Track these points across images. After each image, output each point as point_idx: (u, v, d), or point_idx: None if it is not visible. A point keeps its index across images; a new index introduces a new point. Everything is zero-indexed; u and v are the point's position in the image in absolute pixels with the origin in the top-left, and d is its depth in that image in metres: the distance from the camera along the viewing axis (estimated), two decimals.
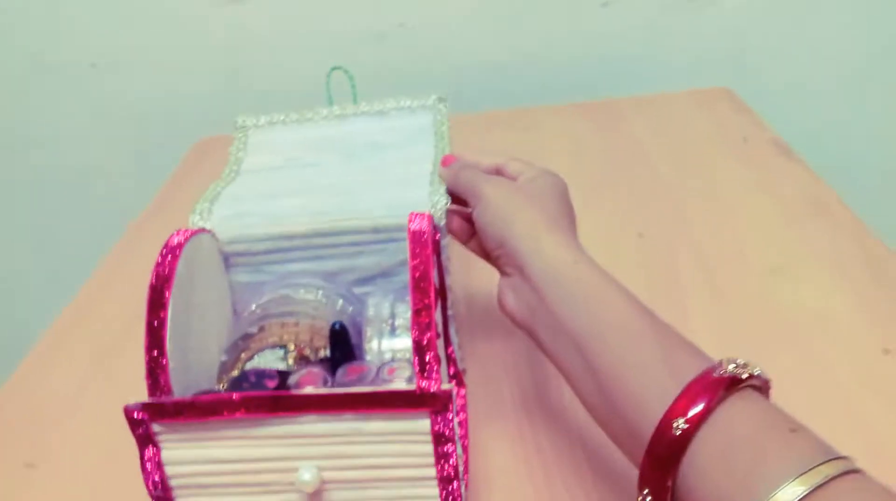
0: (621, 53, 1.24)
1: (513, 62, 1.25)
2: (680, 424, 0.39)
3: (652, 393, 0.42)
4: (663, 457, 0.40)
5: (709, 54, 1.25)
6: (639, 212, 0.88)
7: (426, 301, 0.48)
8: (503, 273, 0.56)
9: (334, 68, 0.78)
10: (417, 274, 0.48)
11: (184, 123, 1.29)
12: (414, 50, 1.24)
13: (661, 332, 0.45)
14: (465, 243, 0.61)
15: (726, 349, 0.64)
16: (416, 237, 0.50)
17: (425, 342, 0.47)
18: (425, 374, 0.47)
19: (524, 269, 0.52)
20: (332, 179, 0.66)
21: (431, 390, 0.47)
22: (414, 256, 0.49)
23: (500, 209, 0.54)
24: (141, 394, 0.49)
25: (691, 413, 0.39)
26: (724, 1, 1.20)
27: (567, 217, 0.56)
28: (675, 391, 0.41)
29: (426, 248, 0.50)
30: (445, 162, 0.63)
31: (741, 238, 0.80)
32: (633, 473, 0.54)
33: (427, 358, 0.47)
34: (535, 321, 0.52)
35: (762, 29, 1.22)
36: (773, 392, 0.43)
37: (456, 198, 0.60)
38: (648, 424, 0.41)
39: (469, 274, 0.80)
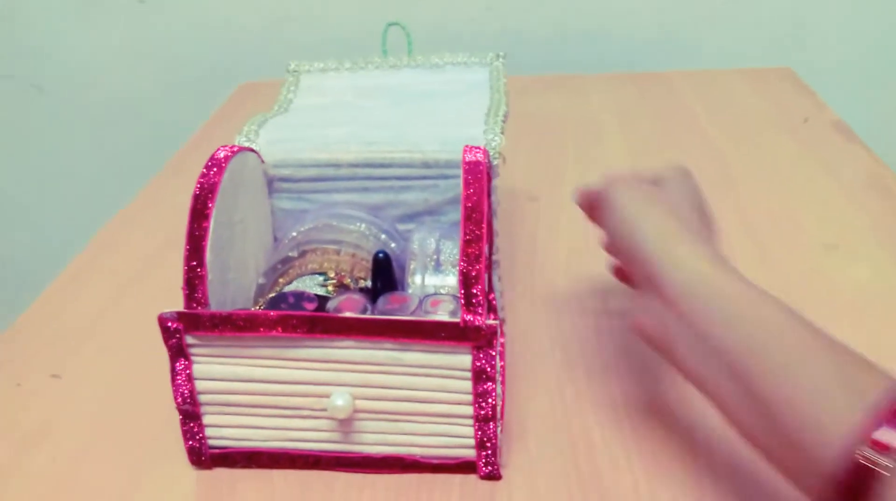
0: (675, 27, 1.21)
1: (566, 29, 1.22)
2: (870, 453, 0.34)
3: (832, 418, 0.36)
4: (850, 491, 0.35)
5: (767, 33, 1.21)
6: None
7: (478, 232, 0.46)
8: (635, 288, 0.49)
9: (391, 24, 0.76)
10: (470, 204, 0.46)
11: (229, 66, 1.28)
12: (467, 10, 1.21)
13: (833, 348, 0.39)
14: (623, 280, 0.54)
15: None
16: (471, 168, 0.48)
17: (474, 274, 0.45)
18: (471, 307, 0.46)
19: (655, 280, 0.45)
20: (383, 117, 0.64)
21: (476, 323, 0.45)
22: (468, 185, 0.47)
23: (624, 211, 0.48)
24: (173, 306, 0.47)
25: (884, 440, 0.34)
26: None
27: (704, 222, 0.50)
28: (859, 415, 0.35)
29: (481, 179, 0.48)
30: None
31: (795, 214, 0.77)
32: (676, 436, 0.53)
33: (474, 291, 0.45)
34: (672, 341, 0.45)
35: (822, 7, 1.18)
36: None
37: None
38: (830, 453, 0.36)
39: (512, 228, 0.78)
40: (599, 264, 0.73)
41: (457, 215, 0.59)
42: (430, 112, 0.64)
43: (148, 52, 1.30)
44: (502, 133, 0.57)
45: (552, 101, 1.09)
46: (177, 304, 0.48)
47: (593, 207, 0.52)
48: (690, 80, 1.14)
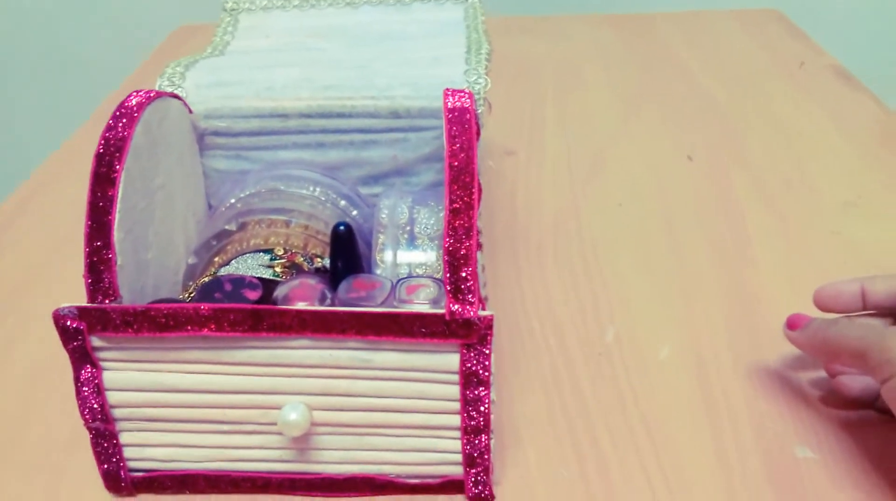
0: None
1: None
2: None
3: None
4: None
5: None
6: (686, 133, 0.76)
7: (467, 199, 0.36)
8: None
9: None
10: (457, 163, 0.36)
11: (164, 7, 1.14)
12: None
13: None
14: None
15: (799, 284, 0.55)
16: (456, 117, 0.38)
17: (462, 253, 0.35)
18: (459, 295, 0.36)
19: None
20: (341, 57, 0.53)
21: (466, 315, 0.36)
22: (453, 139, 0.37)
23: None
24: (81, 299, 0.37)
25: None
26: None
27: None
28: None
29: (469, 130, 0.37)
30: (794, 324, 0.45)
31: (808, 171, 0.69)
32: (700, 440, 0.44)
33: (463, 274, 0.36)
34: None
35: None
36: None
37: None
38: None
39: (488, 189, 0.68)
40: (592, 224, 0.64)
41: (431, 175, 0.49)
42: (397, 53, 0.53)
43: None
44: (487, 75, 0.47)
45: (527, 44, 0.98)
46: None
47: (857, 366, 0.42)
48: (674, 21, 1.04)
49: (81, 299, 0.37)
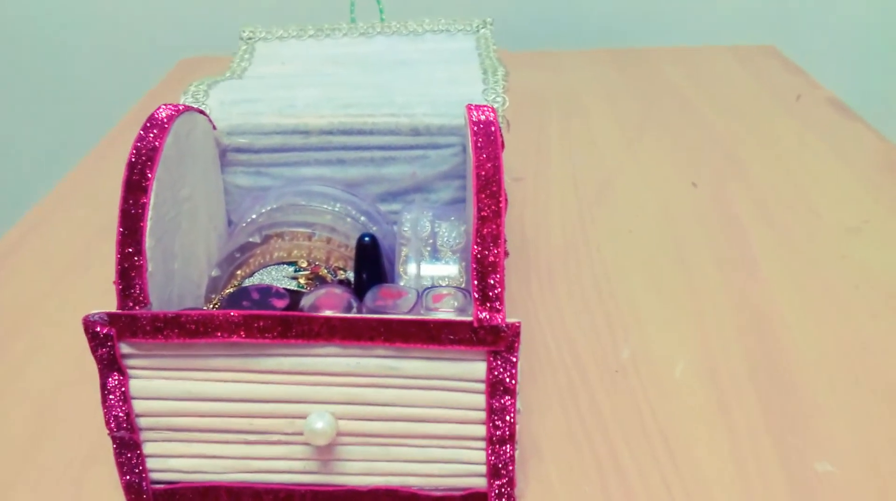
0: (652, 2, 1.14)
1: (540, 4, 1.13)
2: None
3: None
4: None
5: (749, 10, 1.15)
6: (690, 162, 0.78)
7: (494, 208, 0.36)
8: None
9: None
10: (484, 173, 0.37)
11: (169, 40, 1.16)
12: None
13: None
14: None
15: (808, 304, 0.56)
16: (481, 129, 0.39)
17: (491, 260, 0.36)
18: (487, 303, 0.36)
19: None
20: (360, 79, 0.54)
21: (494, 322, 0.36)
22: (479, 150, 0.38)
23: None
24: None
25: None
26: None
27: None
28: None
29: (494, 142, 0.38)
30: None
31: (810, 197, 0.70)
32: (721, 451, 0.45)
33: (490, 281, 0.36)
34: None
35: None
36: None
37: None
38: None
39: None
40: (602, 248, 0.65)
41: (450, 193, 0.49)
42: (413, 76, 0.55)
43: (82, 21, 1.17)
44: (505, 93, 0.48)
45: (531, 77, 1.00)
46: (110, 303, 0.37)
47: None
48: (672, 56, 1.07)
49: (106, 306, 0.37)
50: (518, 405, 0.38)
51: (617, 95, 0.95)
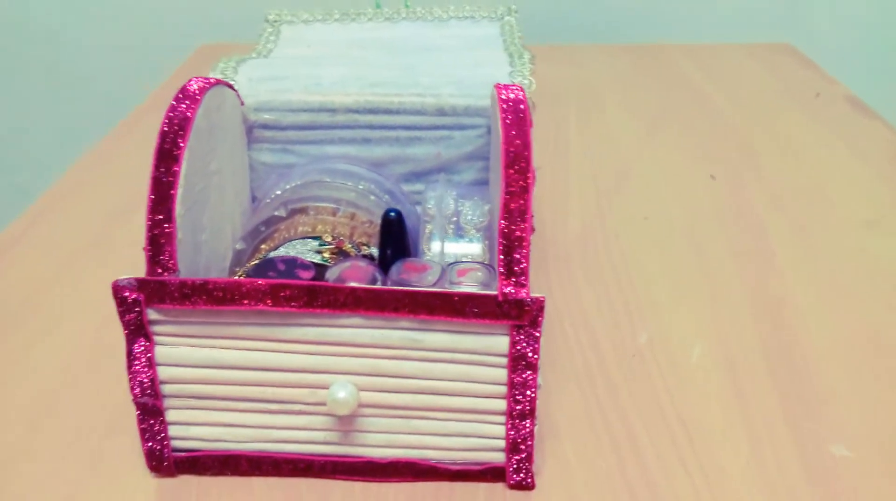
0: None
1: None
2: None
3: None
4: None
5: (765, 8, 1.15)
6: (706, 154, 0.78)
7: (522, 183, 0.37)
8: None
9: None
10: (513, 149, 0.37)
11: (187, 27, 1.16)
12: None
13: None
14: None
15: (825, 292, 0.56)
16: (511, 107, 0.39)
17: (518, 235, 0.36)
18: (512, 277, 0.37)
19: None
20: (386, 61, 0.54)
21: (519, 296, 0.36)
22: (508, 127, 0.38)
23: None
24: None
25: None
26: None
27: None
28: None
29: (523, 120, 0.39)
30: None
31: (827, 191, 0.70)
32: (728, 424, 0.45)
33: (517, 256, 0.36)
34: None
35: None
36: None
37: None
38: None
39: None
40: (619, 236, 0.65)
41: (473, 174, 0.50)
42: (438, 59, 0.55)
43: (99, 9, 1.18)
44: (532, 75, 0.48)
45: (548, 70, 1.00)
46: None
47: None
48: (688, 52, 1.07)
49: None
50: (539, 380, 0.38)
51: (635, 89, 0.95)
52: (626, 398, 0.47)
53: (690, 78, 0.98)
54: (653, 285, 0.58)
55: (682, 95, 0.93)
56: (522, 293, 0.36)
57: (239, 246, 0.45)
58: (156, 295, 0.37)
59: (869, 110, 0.88)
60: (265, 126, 0.49)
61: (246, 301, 0.37)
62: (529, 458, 0.40)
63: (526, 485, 0.41)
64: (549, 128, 0.85)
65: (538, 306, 0.37)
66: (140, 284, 0.37)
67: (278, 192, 0.47)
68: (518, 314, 0.37)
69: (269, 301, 0.37)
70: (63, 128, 1.26)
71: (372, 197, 0.47)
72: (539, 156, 0.79)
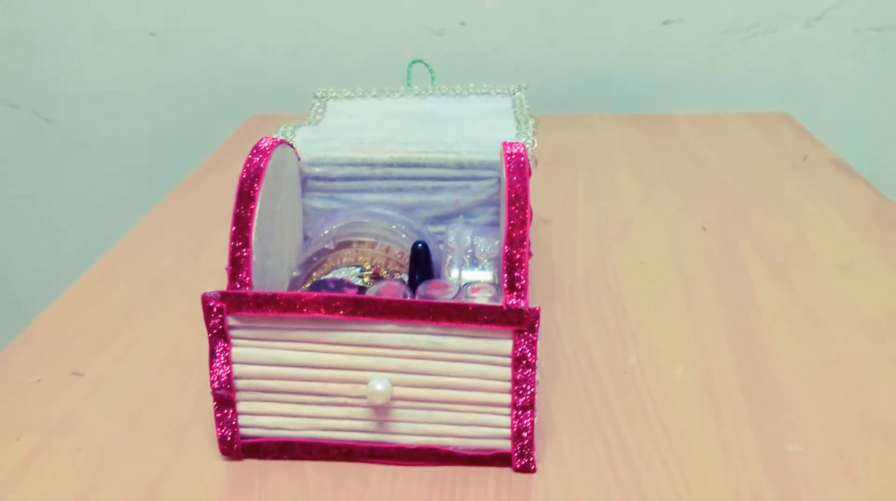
0: (677, 71, 1.25)
1: (569, 69, 1.26)
2: None
3: None
4: None
5: (764, 79, 1.26)
6: (700, 209, 0.87)
7: (521, 217, 0.47)
8: None
9: (415, 61, 0.79)
10: (514, 193, 0.47)
11: (237, 100, 1.30)
12: (472, 48, 1.25)
13: None
14: None
15: (801, 336, 0.65)
16: (514, 159, 0.49)
17: (518, 257, 0.46)
18: (514, 291, 0.46)
19: None
20: (415, 126, 0.66)
21: (519, 306, 0.46)
22: (511, 174, 0.48)
23: None
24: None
25: None
26: (781, 29, 1.22)
27: None
28: None
29: (523, 169, 0.49)
30: None
31: (806, 237, 0.79)
32: (702, 426, 0.53)
33: (517, 274, 0.46)
34: None
35: (817, 59, 1.24)
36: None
37: None
38: None
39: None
40: (619, 277, 0.74)
41: (487, 217, 0.60)
42: (459, 125, 0.66)
43: (156, 85, 1.32)
44: (534, 136, 0.59)
45: (560, 136, 1.11)
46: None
47: None
48: (692, 121, 1.17)
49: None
50: (537, 377, 0.48)
51: (639, 153, 1.05)
52: (616, 405, 0.56)
53: (691, 143, 1.08)
54: (645, 317, 0.67)
55: (682, 158, 1.03)
56: (522, 304, 0.46)
57: (295, 273, 0.55)
58: (235, 305, 0.47)
59: (853, 172, 0.97)
60: (316, 177, 0.59)
61: (305, 309, 0.47)
62: (531, 445, 0.49)
63: (528, 468, 0.49)
64: (560, 184, 0.95)
65: (534, 314, 0.46)
66: (223, 296, 0.47)
67: (326, 231, 0.58)
68: (519, 321, 0.46)
69: (322, 310, 0.47)
70: (135, 181, 1.38)
71: (403, 235, 0.57)
72: (550, 209, 0.89)
